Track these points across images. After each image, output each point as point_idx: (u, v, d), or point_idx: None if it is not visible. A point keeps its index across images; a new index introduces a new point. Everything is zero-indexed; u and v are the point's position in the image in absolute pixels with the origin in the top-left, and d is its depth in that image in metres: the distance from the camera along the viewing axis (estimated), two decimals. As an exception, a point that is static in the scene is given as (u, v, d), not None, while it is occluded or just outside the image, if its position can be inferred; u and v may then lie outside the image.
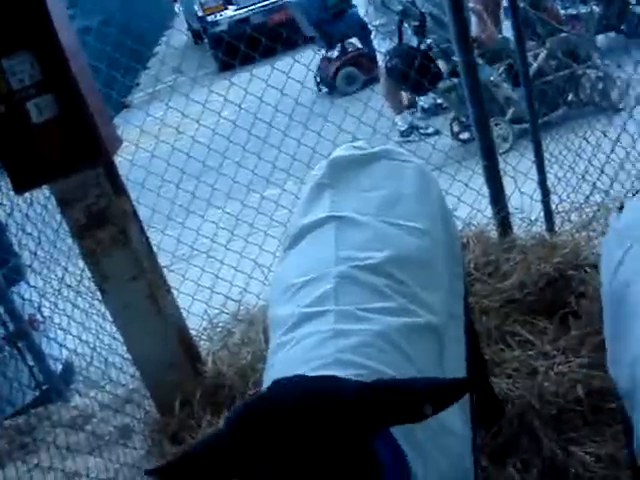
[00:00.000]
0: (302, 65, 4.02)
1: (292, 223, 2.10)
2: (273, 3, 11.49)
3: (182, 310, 3.28)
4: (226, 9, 12.11)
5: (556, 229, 3.58)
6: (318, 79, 8.68)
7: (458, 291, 2.02)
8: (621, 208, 1.93)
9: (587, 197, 3.72)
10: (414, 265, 1.81)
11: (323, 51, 8.69)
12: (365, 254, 1.77)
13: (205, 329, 3.53)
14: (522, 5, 5.95)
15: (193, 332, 3.36)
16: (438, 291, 1.83)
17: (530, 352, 2.81)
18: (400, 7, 6.20)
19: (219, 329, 3.53)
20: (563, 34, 6.10)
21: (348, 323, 1.55)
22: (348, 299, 1.63)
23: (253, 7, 11.70)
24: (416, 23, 6.17)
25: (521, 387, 2.67)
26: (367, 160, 2.13)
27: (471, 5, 6.28)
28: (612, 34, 7.12)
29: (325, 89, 8.78)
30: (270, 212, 3.89)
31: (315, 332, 1.55)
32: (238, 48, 3.92)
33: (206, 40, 12.41)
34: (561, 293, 2.98)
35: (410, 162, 2.16)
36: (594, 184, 3.73)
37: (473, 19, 6.18)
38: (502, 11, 6.77)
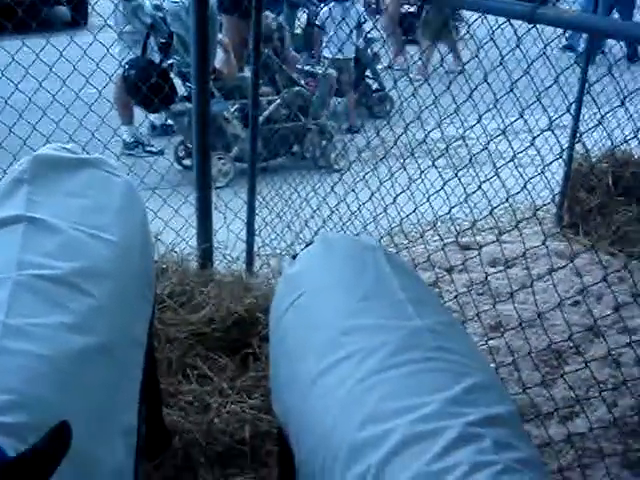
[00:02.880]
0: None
1: None
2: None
3: None
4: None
5: (255, 271, 3.68)
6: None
7: (145, 314, 1.97)
8: (295, 257, 2.03)
9: (289, 246, 3.88)
10: (103, 278, 1.72)
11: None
12: (52, 262, 1.65)
13: None
14: (266, 51, 6.19)
15: None
16: (124, 309, 1.76)
17: (207, 388, 2.82)
18: (150, 20, 6.11)
19: None
20: (298, 88, 6.39)
21: (14, 339, 1.42)
22: (22, 310, 1.49)
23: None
24: (163, 40, 6.10)
25: (192, 421, 2.67)
26: (75, 165, 2.02)
27: (220, 37, 6.36)
28: (343, 99, 7.61)
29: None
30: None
31: None
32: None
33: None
34: (247, 334, 3.03)
35: (119, 176, 2.10)
36: (297, 234, 3.89)
37: (219, 51, 6.26)
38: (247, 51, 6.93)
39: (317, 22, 7.54)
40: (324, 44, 7.34)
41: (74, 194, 1.92)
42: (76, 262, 1.69)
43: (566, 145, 4.43)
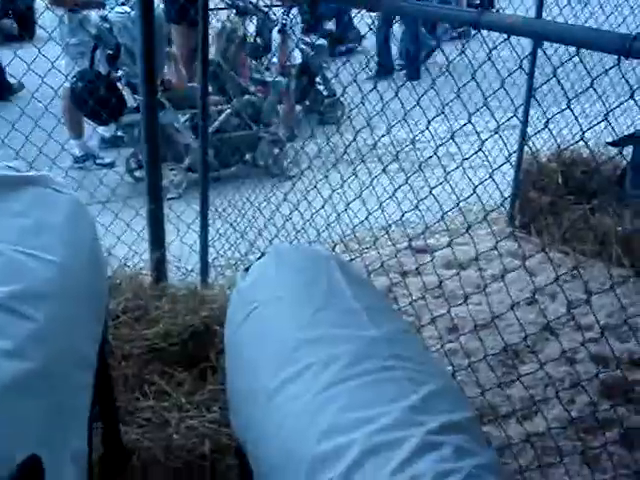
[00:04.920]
0: None
1: None
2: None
3: None
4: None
5: (210, 282, 3.65)
6: None
7: (94, 334, 1.92)
8: (247, 269, 2.01)
9: (244, 255, 3.86)
10: (43, 300, 1.65)
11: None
12: None
13: None
14: (216, 60, 6.16)
15: None
16: (68, 331, 1.70)
17: (165, 403, 2.77)
18: (96, 32, 6.03)
19: None
20: (249, 96, 6.37)
21: None
22: None
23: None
24: (110, 51, 6.03)
25: (150, 438, 2.62)
26: (19, 183, 1.97)
27: (168, 49, 6.31)
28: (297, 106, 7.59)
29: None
30: None
31: None
32: None
33: None
34: (204, 347, 2.99)
35: (65, 194, 2.05)
36: (251, 244, 3.87)
37: (168, 62, 6.21)
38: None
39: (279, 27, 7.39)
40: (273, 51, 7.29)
41: (17, 214, 1.86)
42: (14, 285, 1.61)
43: (516, 146, 4.48)
